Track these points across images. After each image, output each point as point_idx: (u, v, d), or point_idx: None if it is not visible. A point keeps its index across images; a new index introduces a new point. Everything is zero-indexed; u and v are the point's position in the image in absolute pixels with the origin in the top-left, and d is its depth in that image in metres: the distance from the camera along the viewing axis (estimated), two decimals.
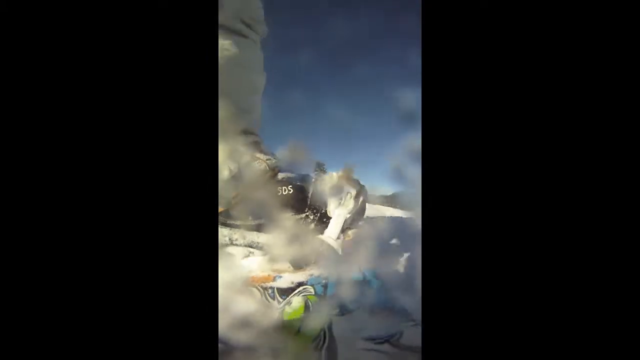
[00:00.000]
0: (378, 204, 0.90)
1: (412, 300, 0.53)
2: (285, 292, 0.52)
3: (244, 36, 0.69)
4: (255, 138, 0.70)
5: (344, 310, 0.51)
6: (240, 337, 0.44)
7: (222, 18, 0.64)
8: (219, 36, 0.64)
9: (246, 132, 0.69)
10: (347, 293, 0.52)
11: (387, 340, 0.48)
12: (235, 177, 0.62)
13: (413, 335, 0.48)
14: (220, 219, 0.60)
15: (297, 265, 0.55)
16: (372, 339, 0.48)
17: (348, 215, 0.63)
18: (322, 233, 0.61)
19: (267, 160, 0.66)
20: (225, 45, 0.65)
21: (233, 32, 0.67)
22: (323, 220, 0.63)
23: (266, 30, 0.75)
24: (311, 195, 0.63)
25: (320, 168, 0.69)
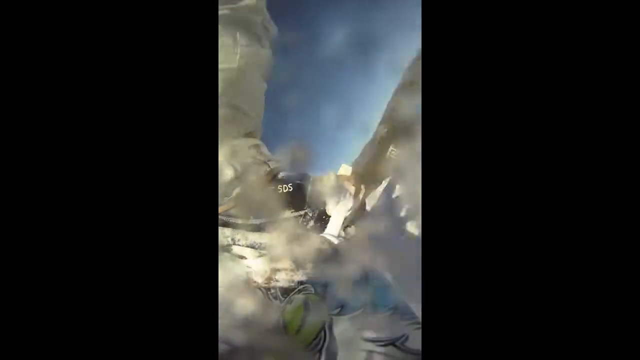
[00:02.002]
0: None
1: (415, 300, 0.52)
2: (286, 292, 0.52)
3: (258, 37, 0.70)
4: (256, 141, 0.71)
5: (344, 309, 0.51)
6: (242, 337, 0.44)
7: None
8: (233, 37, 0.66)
9: (248, 135, 0.70)
10: (347, 292, 0.52)
11: (392, 342, 0.48)
12: (239, 179, 0.63)
13: (419, 339, 0.48)
14: (223, 219, 0.61)
15: (298, 263, 0.55)
16: (374, 341, 0.48)
17: (348, 213, 0.63)
18: (321, 231, 0.61)
19: (267, 161, 0.67)
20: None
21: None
22: (322, 218, 0.63)
23: (276, 29, 0.76)
24: (310, 193, 0.64)
25: None
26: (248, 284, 0.51)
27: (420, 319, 0.50)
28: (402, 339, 0.48)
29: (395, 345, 0.48)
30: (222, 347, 0.43)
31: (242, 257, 0.55)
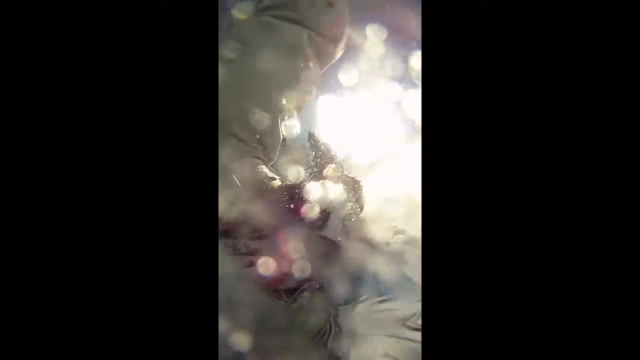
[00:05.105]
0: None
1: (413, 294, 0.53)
2: (291, 291, 0.53)
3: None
4: (255, 160, 0.72)
5: (348, 301, 0.52)
6: (249, 339, 0.46)
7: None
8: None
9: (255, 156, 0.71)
10: (349, 286, 0.53)
11: (401, 324, 0.49)
12: (240, 194, 0.64)
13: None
14: (224, 230, 0.62)
15: (301, 263, 0.57)
16: (381, 326, 0.49)
17: (346, 212, 0.64)
18: (322, 232, 0.62)
19: (265, 178, 0.68)
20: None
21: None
22: (322, 219, 0.64)
23: None
24: (307, 197, 0.65)
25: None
26: (253, 288, 0.53)
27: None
28: (413, 317, 0.49)
29: (405, 326, 0.49)
30: (228, 350, 0.44)
31: (246, 265, 0.57)
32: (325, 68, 0.74)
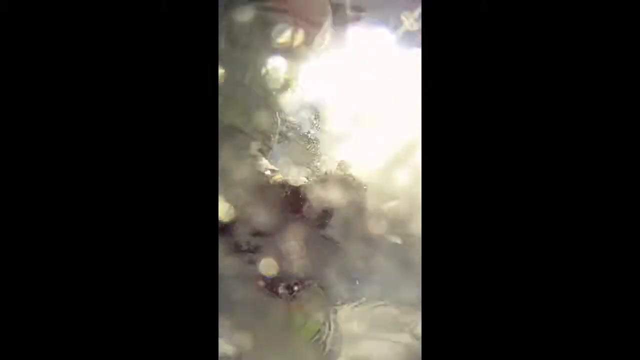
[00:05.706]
0: None
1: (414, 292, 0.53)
2: (290, 289, 0.54)
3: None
4: (254, 152, 0.72)
5: (347, 302, 0.52)
6: (248, 336, 0.46)
7: None
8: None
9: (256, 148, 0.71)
10: (349, 286, 0.53)
11: (397, 329, 0.49)
12: (241, 188, 0.64)
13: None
14: (225, 226, 0.62)
15: (301, 261, 0.57)
16: (380, 329, 0.50)
17: (347, 212, 0.64)
18: (322, 231, 0.62)
19: (265, 170, 0.68)
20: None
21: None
22: (322, 219, 0.64)
23: None
24: (308, 196, 0.65)
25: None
26: (254, 285, 0.53)
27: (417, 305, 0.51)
28: (410, 325, 0.50)
29: (405, 332, 0.49)
30: (227, 347, 0.44)
31: (247, 261, 0.57)
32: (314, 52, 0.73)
